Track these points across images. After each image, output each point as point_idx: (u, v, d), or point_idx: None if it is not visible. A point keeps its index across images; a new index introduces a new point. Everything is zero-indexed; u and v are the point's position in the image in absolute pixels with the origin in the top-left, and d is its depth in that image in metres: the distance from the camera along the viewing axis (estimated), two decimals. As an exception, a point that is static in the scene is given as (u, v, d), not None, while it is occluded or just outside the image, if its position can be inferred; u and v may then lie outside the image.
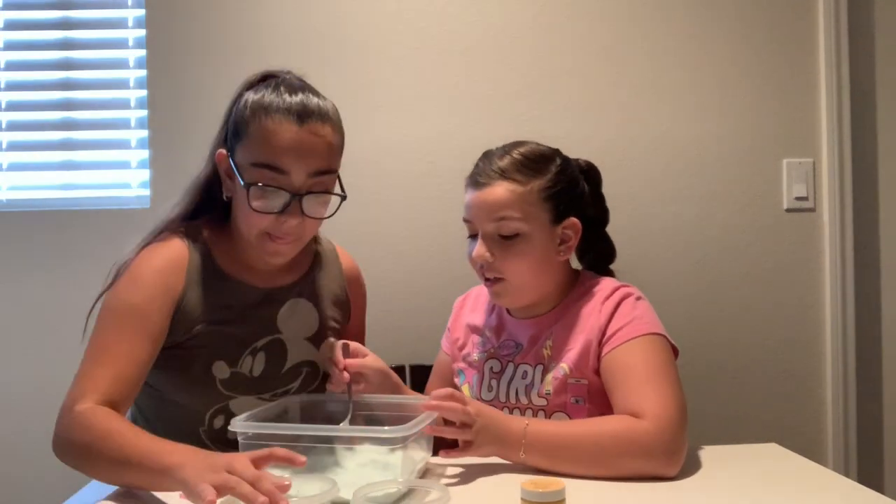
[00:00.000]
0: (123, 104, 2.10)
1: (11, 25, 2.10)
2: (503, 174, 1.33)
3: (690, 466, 1.25)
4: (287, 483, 0.95)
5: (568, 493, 0.94)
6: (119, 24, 2.10)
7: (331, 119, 1.25)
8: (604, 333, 1.32)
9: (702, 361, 2.09)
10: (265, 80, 1.30)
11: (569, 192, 1.38)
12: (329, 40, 2.06)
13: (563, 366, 1.33)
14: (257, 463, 0.98)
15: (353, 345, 1.32)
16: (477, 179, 1.36)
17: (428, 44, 2.08)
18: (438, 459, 1.22)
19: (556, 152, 1.41)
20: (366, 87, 2.07)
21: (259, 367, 1.32)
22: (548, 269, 1.37)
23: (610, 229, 2.06)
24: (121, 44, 2.10)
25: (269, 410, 1.22)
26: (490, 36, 2.08)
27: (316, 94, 1.27)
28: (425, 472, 1.21)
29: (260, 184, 1.20)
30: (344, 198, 1.29)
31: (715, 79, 2.11)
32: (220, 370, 1.29)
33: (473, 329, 1.50)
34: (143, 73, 2.06)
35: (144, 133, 2.06)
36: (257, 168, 1.21)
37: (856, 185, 2.10)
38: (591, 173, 1.48)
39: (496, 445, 1.20)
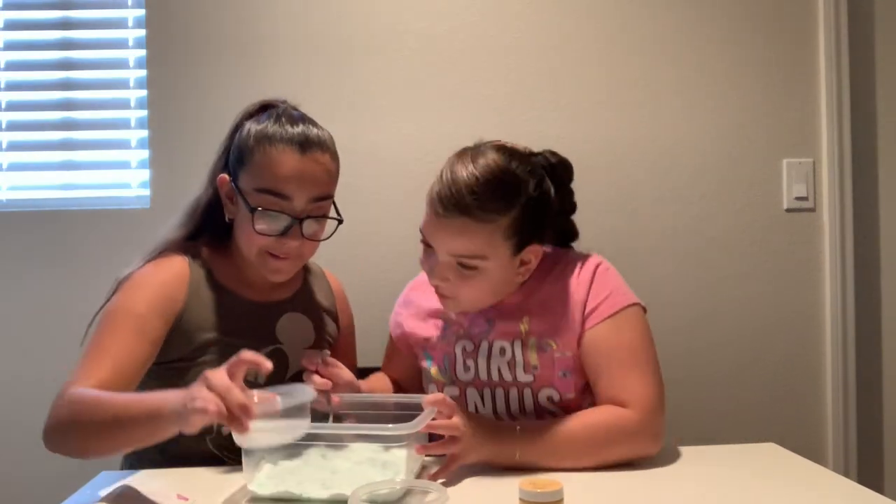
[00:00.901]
0: (123, 104, 2.10)
1: (11, 25, 2.10)
2: (465, 211, 1.23)
3: (689, 466, 1.25)
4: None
5: (565, 493, 0.94)
6: (119, 24, 2.10)
7: (329, 148, 1.33)
8: (584, 306, 1.32)
9: (701, 361, 2.09)
10: (264, 109, 1.36)
11: (535, 222, 1.30)
12: (329, 41, 2.06)
13: (549, 341, 1.33)
14: (231, 370, 1.00)
15: (327, 355, 1.32)
16: (437, 208, 1.25)
17: (427, 44, 2.08)
18: (436, 459, 1.23)
19: (531, 171, 1.30)
20: (366, 87, 2.07)
21: (263, 377, 1.34)
22: (503, 289, 1.34)
23: (610, 229, 2.08)
24: (121, 44, 2.10)
25: None
26: (490, 36, 2.08)
27: (314, 124, 1.34)
28: (422, 471, 1.21)
29: (262, 208, 1.27)
30: (340, 221, 1.37)
31: (715, 78, 2.11)
32: None
33: (434, 313, 1.44)
34: (143, 73, 2.06)
35: (144, 133, 2.06)
36: (261, 193, 1.28)
37: (856, 185, 2.10)
38: (561, 170, 1.39)
39: (488, 450, 1.21)
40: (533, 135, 2.07)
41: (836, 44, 2.08)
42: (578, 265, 1.37)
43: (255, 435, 0.97)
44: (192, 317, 1.32)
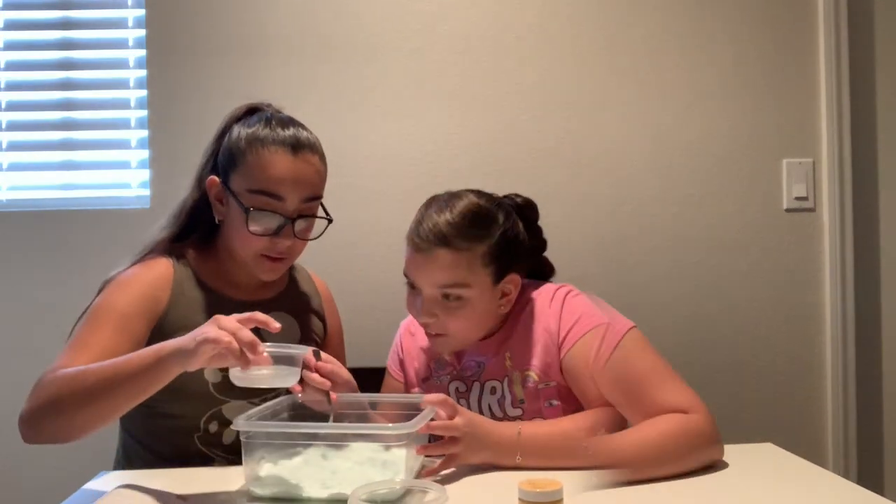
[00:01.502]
0: (123, 104, 2.10)
1: (11, 25, 2.10)
2: (445, 242, 1.30)
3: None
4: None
5: (565, 493, 0.94)
6: (119, 24, 2.10)
7: (318, 150, 1.37)
8: (558, 335, 1.34)
9: (701, 361, 2.09)
10: (251, 113, 1.40)
11: (510, 250, 1.36)
12: (329, 41, 2.07)
13: (529, 373, 1.36)
14: (240, 322, 1.09)
15: (323, 354, 1.32)
16: (418, 243, 1.32)
17: (428, 44, 2.08)
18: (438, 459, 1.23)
19: (499, 206, 1.38)
20: (365, 87, 2.07)
21: None
22: (489, 321, 1.38)
23: (611, 229, 2.08)
24: (121, 44, 2.10)
25: (264, 411, 1.23)
26: (490, 36, 2.08)
27: (303, 127, 1.38)
28: (422, 471, 1.21)
29: (256, 208, 1.31)
30: (330, 221, 1.40)
31: (715, 79, 2.11)
32: (212, 374, 1.34)
33: (428, 351, 1.48)
34: (143, 73, 2.07)
35: (144, 133, 2.06)
36: (254, 194, 1.31)
37: (856, 185, 2.10)
38: (527, 210, 1.45)
39: (488, 452, 1.21)
40: (533, 134, 2.08)
41: (836, 44, 2.08)
42: (549, 296, 1.40)
43: (254, 374, 1.09)
44: (176, 317, 1.33)
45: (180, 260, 1.40)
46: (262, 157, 1.31)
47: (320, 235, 1.41)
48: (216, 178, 1.36)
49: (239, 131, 1.35)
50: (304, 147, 1.33)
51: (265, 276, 1.39)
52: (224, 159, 1.36)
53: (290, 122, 1.37)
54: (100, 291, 1.34)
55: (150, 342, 1.28)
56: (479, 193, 1.38)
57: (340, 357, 1.57)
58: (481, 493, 1.13)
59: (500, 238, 1.34)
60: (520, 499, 0.94)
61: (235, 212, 1.33)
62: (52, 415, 1.14)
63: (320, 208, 1.41)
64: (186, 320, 1.32)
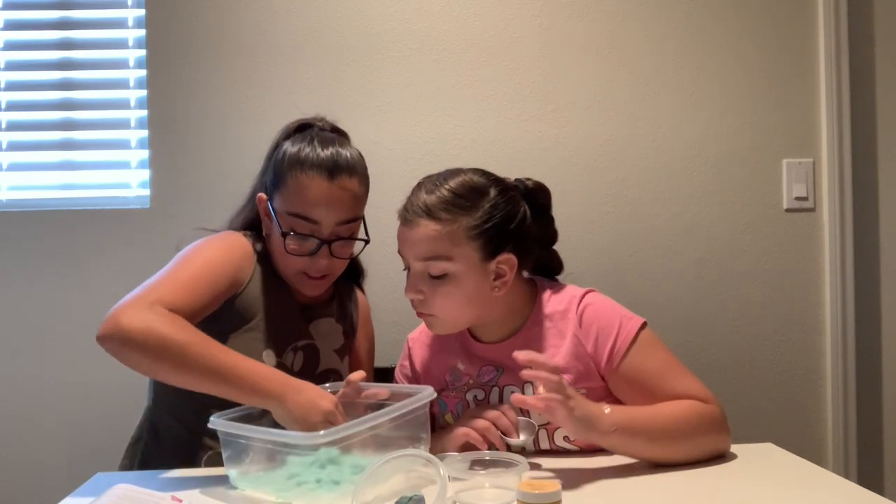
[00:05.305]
0: (123, 104, 2.10)
1: (11, 25, 2.10)
2: (429, 213, 1.28)
3: (686, 466, 1.25)
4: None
5: (564, 493, 0.94)
6: (119, 24, 2.10)
7: (357, 172, 1.41)
8: (597, 344, 1.31)
9: (701, 361, 2.09)
10: (301, 129, 1.45)
11: (503, 227, 1.31)
12: (328, 41, 2.07)
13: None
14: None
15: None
16: (405, 215, 1.32)
17: (427, 44, 2.08)
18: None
19: (493, 183, 1.34)
20: (365, 87, 2.07)
21: (298, 364, 1.45)
22: (481, 304, 1.33)
23: (610, 229, 2.08)
24: (121, 44, 2.10)
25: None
26: (490, 36, 2.08)
27: (345, 145, 1.42)
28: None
29: (293, 231, 1.37)
30: (367, 242, 1.46)
31: (715, 79, 2.11)
32: (269, 358, 1.40)
33: (441, 363, 1.44)
34: (143, 73, 2.07)
35: (144, 133, 2.06)
36: (292, 217, 1.37)
37: (856, 185, 2.10)
38: (538, 194, 1.42)
39: (585, 424, 1.17)
40: (533, 135, 2.08)
41: (836, 44, 2.07)
42: (576, 301, 1.36)
43: None
44: (251, 295, 1.40)
45: (255, 247, 1.45)
46: (300, 181, 1.35)
47: (359, 254, 1.46)
48: (264, 196, 1.43)
49: (285, 150, 1.40)
50: (341, 171, 1.36)
51: (307, 292, 1.44)
52: (270, 178, 1.42)
53: (331, 141, 1.40)
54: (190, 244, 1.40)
55: (222, 308, 1.35)
56: (478, 171, 1.36)
57: (368, 370, 1.62)
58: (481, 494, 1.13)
59: (488, 212, 1.30)
60: (518, 500, 0.94)
61: (276, 231, 1.39)
62: (148, 354, 1.18)
63: (362, 227, 1.45)
64: (259, 301, 1.40)
